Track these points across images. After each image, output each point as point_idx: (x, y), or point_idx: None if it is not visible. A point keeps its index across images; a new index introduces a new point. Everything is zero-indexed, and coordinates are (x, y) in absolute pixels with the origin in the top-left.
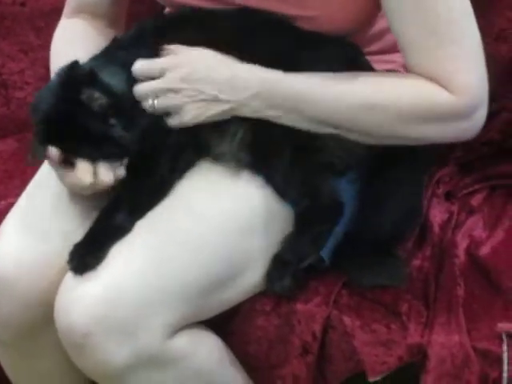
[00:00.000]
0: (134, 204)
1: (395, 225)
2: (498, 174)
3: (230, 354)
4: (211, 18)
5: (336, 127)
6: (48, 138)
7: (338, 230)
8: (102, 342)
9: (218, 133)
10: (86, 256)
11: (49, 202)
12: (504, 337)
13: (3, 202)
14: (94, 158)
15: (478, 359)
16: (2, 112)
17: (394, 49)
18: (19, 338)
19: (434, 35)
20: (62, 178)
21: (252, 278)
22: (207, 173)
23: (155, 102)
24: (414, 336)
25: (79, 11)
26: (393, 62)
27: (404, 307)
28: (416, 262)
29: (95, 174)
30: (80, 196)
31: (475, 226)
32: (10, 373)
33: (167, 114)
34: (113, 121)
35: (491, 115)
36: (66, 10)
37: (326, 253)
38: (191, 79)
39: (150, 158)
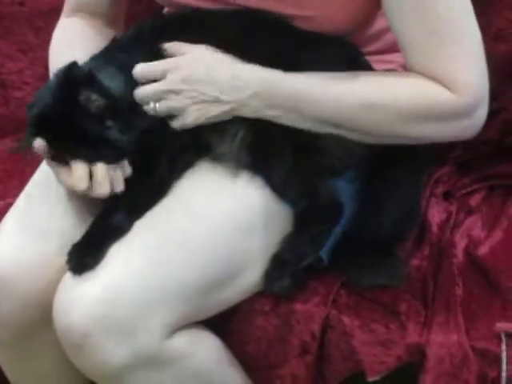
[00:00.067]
0: (133, 204)
1: (395, 225)
2: (497, 174)
3: (228, 354)
4: (211, 18)
5: (336, 127)
6: (41, 134)
7: (337, 230)
8: (100, 342)
9: (218, 133)
10: (85, 256)
11: (47, 202)
12: (503, 336)
13: (2, 202)
14: (90, 160)
15: (476, 359)
16: (1, 112)
17: (392, 49)
18: (17, 337)
19: (434, 35)
20: (59, 179)
21: (251, 277)
22: (206, 173)
23: (157, 105)
24: (413, 336)
25: (78, 10)
26: (391, 62)
27: (403, 307)
28: (414, 262)
29: (91, 180)
30: (78, 196)
31: (474, 225)
32: (8, 372)
33: (169, 116)
34: (110, 123)
35: (490, 114)
36: (66, 8)
37: (324, 252)
38: (192, 80)
39: (149, 159)
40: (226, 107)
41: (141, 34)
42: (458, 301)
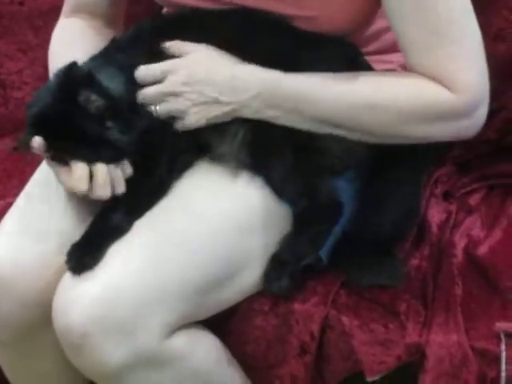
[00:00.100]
0: (132, 204)
1: (395, 225)
2: (496, 173)
3: (227, 354)
4: (210, 18)
5: (336, 127)
6: (40, 133)
7: (337, 230)
8: (99, 342)
9: (218, 133)
10: (84, 256)
11: (47, 202)
12: (502, 336)
13: (1, 202)
14: (90, 160)
15: (476, 359)
16: (0, 112)
17: (391, 49)
18: (17, 337)
19: (434, 35)
20: (59, 179)
21: (250, 277)
22: (206, 173)
23: (157, 107)
24: (412, 335)
25: (77, 11)
26: (390, 62)
27: (402, 307)
28: (414, 262)
29: (91, 181)
30: (77, 196)
31: (473, 225)
32: (8, 373)
33: (171, 117)
34: (109, 123)
35: (490, 114)
36: (65, 9)
37: (324, 252)
38: (192, 82)
39: (148, 159)
40: (226, 108)
41: (140, 35)
42: (458, 301)
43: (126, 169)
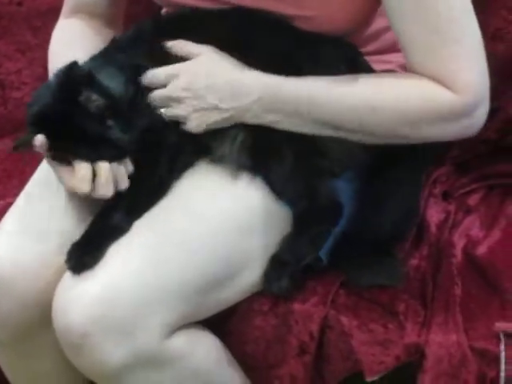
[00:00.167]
0: (132, 204)
1: (395, 225)
2: (495, 173)
3: (227, 354)
4: (210, 18)
5: (337, 129)
6: (41, 133)
7: (336, 230)
8: (99, 341)
9: (218, 135)
10: (84, 255)
11: (47, 201)
12: (501, 336)
13: (1, 202)
14: (91, 160)
15: (475, 359)
16: (0, 112)
17: (390, 49)
18: (17, 337)
19: (434, 34)
20: (59, 178)
21: (250, 277)
22: (206, 173)
23: (162, 110)
24: (412, 336)
25: (77, 11)
26: (390, 62)
27: (401, 307)
28: (413, 262)
29: (93, 182)
30: (78, 196)
31: (472, 225)
32: (7, 373)
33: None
34: (110, 122)
35: (489, 114)
36: (64, 9)
37: (323, 252)
38: (193, 88)
39: (149, 158)
40: (225, 114)
41: (140, 35)
42: (457, 301)
43: (127, 166)
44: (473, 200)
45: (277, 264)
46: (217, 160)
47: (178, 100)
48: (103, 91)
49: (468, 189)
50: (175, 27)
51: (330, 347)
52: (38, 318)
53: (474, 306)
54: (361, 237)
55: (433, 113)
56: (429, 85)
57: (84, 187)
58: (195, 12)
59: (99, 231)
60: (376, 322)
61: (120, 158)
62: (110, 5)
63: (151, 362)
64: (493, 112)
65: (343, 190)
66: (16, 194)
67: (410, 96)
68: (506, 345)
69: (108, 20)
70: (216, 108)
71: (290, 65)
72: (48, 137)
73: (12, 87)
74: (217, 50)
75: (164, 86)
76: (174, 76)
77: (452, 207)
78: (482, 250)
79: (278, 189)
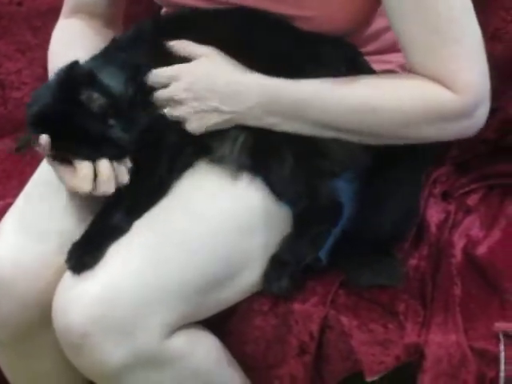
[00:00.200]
0: (132, 204)
1: (395, 225)
2: (495, 173)
3: (227, 354)
4: (210, 18)
5: (338, 130)
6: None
7: (336, 230)
8: (99, 341)
9: (218, 135)
10: (84, 255)
11: (47, 202)
12: (501, 336)
13: (1, 202)
14: (92, 159)
15: (475, 359)
16: (0, 112)
17: (390, 49)
18: (17, 337)
19: (435, 34)
20: (60, 178)
21: (250, 277)
22: (206, 173)
23: (165, 110)
24: (411, 336)
25: (77, 11)
26: (390, 62)
27: (401, 307)
28: (413, 262)
29: (96, 181)
30: (78, 196)
31: (472, 225)
32: (7, 373)
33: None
34: (112, 121)
35: (489, 114)
36: (64, 10)
37: (323, 252)
38: (193, 90)
39: (149, 159)
40: (226, 116)
41: (140, 35)
42: (457, 301)
43: (127, 163)
44: (472, 200)
45: (277, 264)
46: (217, 160)
47: (179, 101)
48: (104, 90)
49: (468, 189)
50: (175, 27)
51: (329, 347)
52: (38, 318)
53: (474, 306)
54: (361, 237)
55: (433, 113)
56: (429, 85)
57: (86, 186)
58: (195, 12)
59: (99, 231)
60: (376, 322)
61: (120, 157)
62: (110, 5)
63: (151, 361)
64: (492, 112)
65: (343, 190)
66: (16, 195)
67: (411, 97)
68: (505, 345)
69: (108, 20)
70: (216, 110)
71: (290, 65)
72: (49, 137)
73: (12, 87)
74: (219, 52)
75: (165, 86)
76: (175, 77)
77: (452, 207)
78: (481, 250)
79: (278, 189)
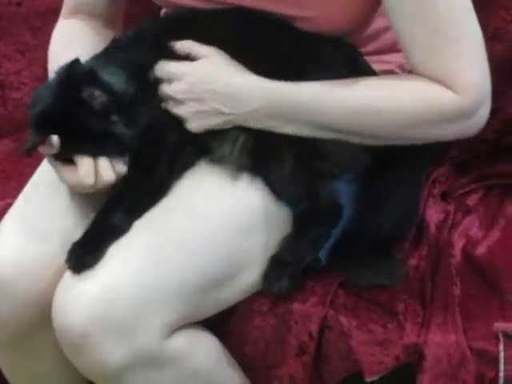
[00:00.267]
0: (132, 204)
1: (395, 225)
2: (495, 173)
3: (227, 354)
4: (209, 18)
5: (339, 132)
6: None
7: (336, 230)
8: (99, 341)
9: (219, 135)
10: (84, 255)
11: (46, 202)
12: (501, 336)
13: (1, 203)
14: (95, 156)
15: (474, 359)
16: None
17: (390, 49)
18: (17, 338)
19: (435, 34)
20: (62, 177)
21: (250, 277)
22: (206, 173)
23: (168, 107)
24: (411, 336)
25: (76, 12)
26: (389, 62)
27: (400, 307)
28: (412, 262)
29: (96, 174)
30: (78, 196)
31: (471, 225)
32: (7, 373)
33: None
34: (115, 118)
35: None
36: (64, 10)
37: (322, 253)
38: (194, 91)
39: (149, 159)
40: (227, 118)
41: (140, 35)
42: (456, 301)
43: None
44: (472, 200)
45: (277, 264)
46: (217, 160)
47: (180, 101)
48: (105, 88)
49: (467, 189)
50: (175, 27)
51: (329, 347)
52: (38, 318)
53: (473, 306)
54: (361, 237)
55: (434, 113)
56: (430, 86)
57: (89, 180)
58: (194, 12)
59: (99, 231)
60: (375, 322)
61: (122, 154)
62: (110, 5)
63: (151, 361)
64: (492, 112)
65: (343, 191)
66: (15, 195)
67: (412, 98)
68: (504, 345)
69: (107, 20)
70: (217, 112)
71: (290, 65)
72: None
73: (11, 88)
74: (221, 53)
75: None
76: (176, 78)
77: (451, 207)
78: (481, 250)
79: (278, 190)
